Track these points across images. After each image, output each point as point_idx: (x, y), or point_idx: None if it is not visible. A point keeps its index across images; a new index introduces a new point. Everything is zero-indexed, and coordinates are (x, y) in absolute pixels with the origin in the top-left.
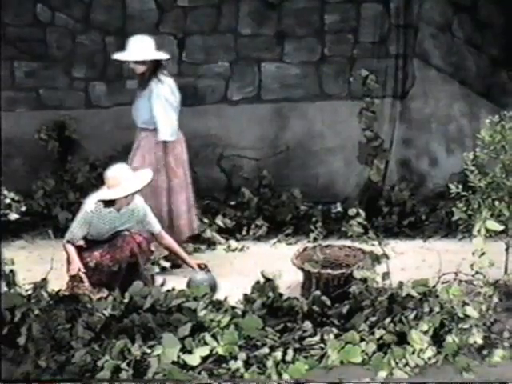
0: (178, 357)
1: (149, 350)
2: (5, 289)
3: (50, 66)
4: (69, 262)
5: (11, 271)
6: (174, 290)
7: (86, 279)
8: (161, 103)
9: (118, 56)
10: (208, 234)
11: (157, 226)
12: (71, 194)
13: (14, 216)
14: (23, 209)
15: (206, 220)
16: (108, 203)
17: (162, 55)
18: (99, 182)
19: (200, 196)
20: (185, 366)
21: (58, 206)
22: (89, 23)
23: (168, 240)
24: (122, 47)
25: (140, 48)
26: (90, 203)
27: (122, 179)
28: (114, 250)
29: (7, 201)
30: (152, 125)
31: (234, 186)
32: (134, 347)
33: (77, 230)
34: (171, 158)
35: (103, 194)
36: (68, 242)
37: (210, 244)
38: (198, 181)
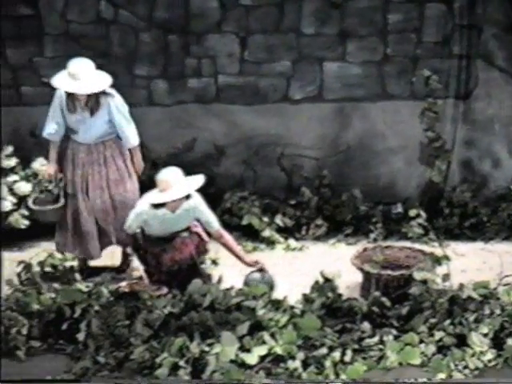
0: (236, 355)
1: (207, 348)
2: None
3: (113, 63)
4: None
5: (71, 267)
6: (232, 288)
7: (145, 276)
8: (122, 113)
9: (69, 88)
10: (267, 233)
11: (214, 225)
12: None
13: None
14: None
15: (265, 219)
16: (158, 205)
17: (109, 78)
18: None
19: (260, 195)
20: (243, 365)
21: None
22: (152, 21)
23: (226, 238)
24: (184, 46)
25: (89, 77)
26: (144, 202)
27: (171, 183)
28: (173, 251)
29: None
30: (108, 136)
31: (293, 186)
32: (192, 345)
33: (132, 222)
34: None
35: (153, 197)
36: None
37: (269, 243)
38: (258, 179)
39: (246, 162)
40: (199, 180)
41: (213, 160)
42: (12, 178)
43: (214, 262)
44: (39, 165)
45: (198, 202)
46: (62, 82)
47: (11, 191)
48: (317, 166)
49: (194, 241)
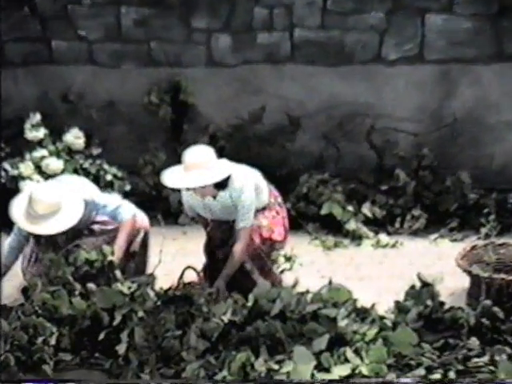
0: (312, 375)
1: (276, 366)
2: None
3: (165, 13)
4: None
5: (110, 263)
6: (308, 292)
7: (202, 276)
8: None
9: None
10: (352, 225)
11: (240, 223)
12: None
13: None
14: (127, 188)
15: (350, 208)
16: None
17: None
18: (220, 157)
19: (343, 178)
20: None
21: None
22: None
23: (237, 247)
24: None
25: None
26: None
27: (193, 166)
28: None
29: (108, 177)
30: None
31: (386, 167)
32: (257, 362)
33: (185, 208)
34: None
35: (172, 177)
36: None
37: (355, 238)
38: (342, 159)
39: (326, 137)
40: (227, 168)
41: (286, 134)
42: (40, 152)
43: (288, 260)
44: (73, 137)
45: (244, 188)
46: None
47: (38, 169)
48: (415, 142)
49: (254, 241)
